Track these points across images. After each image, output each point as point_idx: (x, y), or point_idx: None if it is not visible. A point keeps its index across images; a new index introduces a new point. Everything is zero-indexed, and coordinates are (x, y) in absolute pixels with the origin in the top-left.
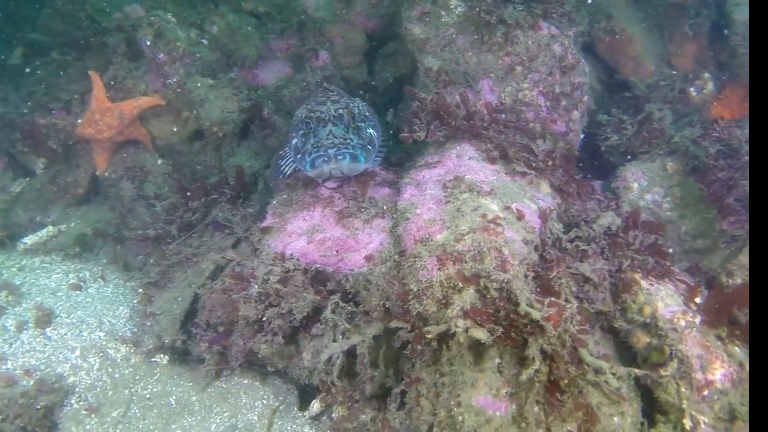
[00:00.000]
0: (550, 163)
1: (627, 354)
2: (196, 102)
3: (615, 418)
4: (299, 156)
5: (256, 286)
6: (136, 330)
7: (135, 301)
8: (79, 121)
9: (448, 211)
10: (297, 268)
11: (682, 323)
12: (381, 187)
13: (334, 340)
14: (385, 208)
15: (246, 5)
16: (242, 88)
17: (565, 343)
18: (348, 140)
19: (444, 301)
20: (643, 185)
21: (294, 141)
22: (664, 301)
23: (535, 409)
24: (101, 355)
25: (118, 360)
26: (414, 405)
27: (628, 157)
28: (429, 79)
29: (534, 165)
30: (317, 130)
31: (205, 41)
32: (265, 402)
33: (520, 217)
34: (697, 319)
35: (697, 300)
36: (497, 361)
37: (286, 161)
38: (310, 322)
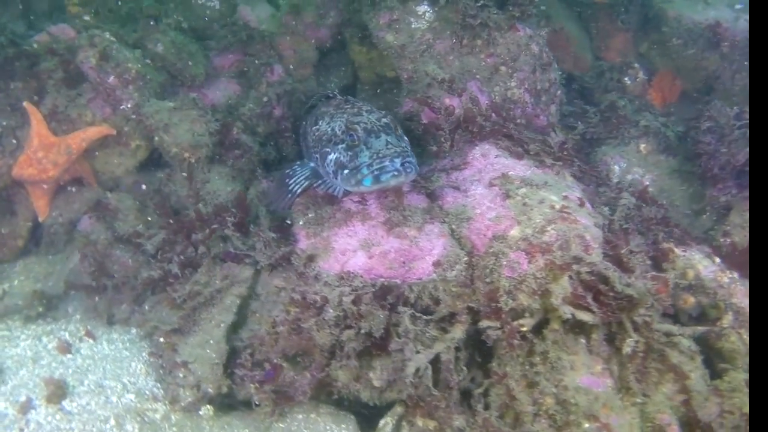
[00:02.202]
0: (565, 153)
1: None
2: (158, 128)
3: (693, 374)
4: (347, 171)
5: (331, 310)
6: (166, 385)
7: (145, 354)
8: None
9: (513, 207)
10: (365, 285)
11: (726, 280)
12: (410, 194)
13: (417, 352)
14: (429, 214)
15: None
16: (207, 109)
17: (656, 312)
18: (407, 150)
19: (540, 292)
20: (623, 167)
21: (332, 156)
22: (702, 263)
23: (632, 377)
24: (138, 419)
25: (158, 421)
26: (507, 400)
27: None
28: (417, 86)
29: (558, 156)
30: (369, 141)
31: (148, 61)
32: None
33: (581, 204)
34: (736, 275)
35: (717, 260)
36: (582, 341)
37: (296, 180)
38: (383, 340)
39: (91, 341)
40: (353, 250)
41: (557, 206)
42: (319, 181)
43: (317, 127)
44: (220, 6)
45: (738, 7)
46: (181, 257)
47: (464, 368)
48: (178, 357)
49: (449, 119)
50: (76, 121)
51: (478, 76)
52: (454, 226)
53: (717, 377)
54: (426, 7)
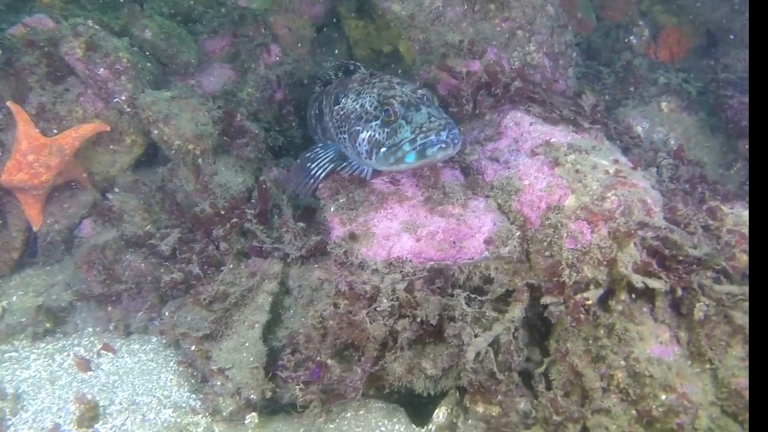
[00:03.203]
0: (600, 116)
1: None
2: (157, 120)
3: None
4: (384, 149)
5: (386, 300)
6: (203, 396)
7: (173, 364)
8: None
9: (564, 174)
10: (417, 270)
11: None
12: (444, 170)
13: (476, 335)
14: (471, 189)
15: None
16: (207, 97)
17: (727, 272)
18: (450, 121)
19: (606, 262)
20: (646, 127)
21: (365, 134)
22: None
23: (704, 343)
24: None
25: None
26: (571, 377)
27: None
28: (432, 56)
29: (594, 119)
30: (409, 115)
31: (136, 49)
32: (385, 428)
33: (635, 166)
34: None
35: None
36: (646, 310)
37: (320, 163)
38: (437, 326)
39: (110, 355)
40: (397, 233)
41: (611, 171)
42: (344, 164)
43: (341, 105)
44: None
45: None
46: (202, 256)
47: (523, 348)
48: (214, 364)
49: (470, 81)
50: (66, 118)
51: (494, 43)
52: (500, 200)
53: None
54: None
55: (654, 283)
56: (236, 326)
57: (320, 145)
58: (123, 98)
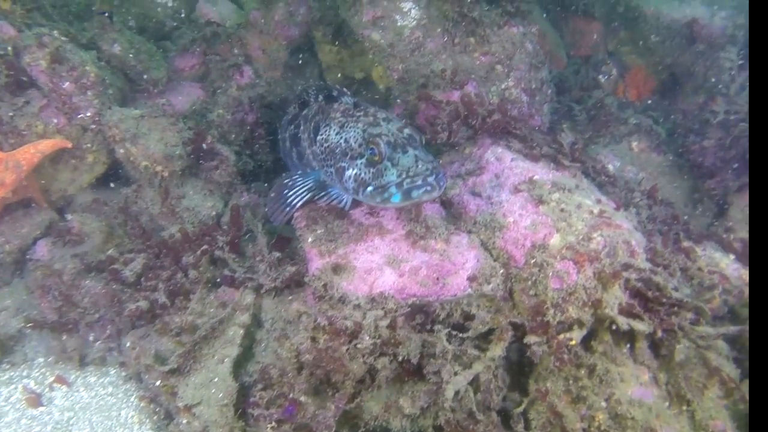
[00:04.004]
0: (578, 154)
1: None
2: (124, 139)
3: (732, 375)
4: (370, 188)
5: (368, 337)
6: None
7: (135, 399)
8: None
9: (549, 213)
10: (399, 306)
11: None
12: (425, 204)
13: (456, 373)
14: (453, 224)
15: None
16: (177, 117)
17: (706, 315)
18: (437, 165)
19: (590, 303)
20: (617, 165)
21: (351, 172)
22: (724, 261)
23: (683, 384)
24: None
25: None
26: (551, 417)
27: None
28: (411, 86)
29: (575, 157)
30: (395, 157)
31: (103, 63)
32: None
33: (617, 207)
34: None
35: (732, 257)
36: (625, 351)
37: (297, 191)
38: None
39: (64, 388)
40: (379, 268)
41: (595, 211)
42: (323, 193)
43: (324, 136)
44: (173, 3)
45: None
46: (169, 284)
47: (503, 387)
48: (180, 401)
49: (448, 110)
50: (25, 133)
51: (473, 76)
52: (483, 237)
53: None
54: (411, 3)
55: (639, 326)
56: (205, 360)
57: (300, 172)
58: (88, 114)
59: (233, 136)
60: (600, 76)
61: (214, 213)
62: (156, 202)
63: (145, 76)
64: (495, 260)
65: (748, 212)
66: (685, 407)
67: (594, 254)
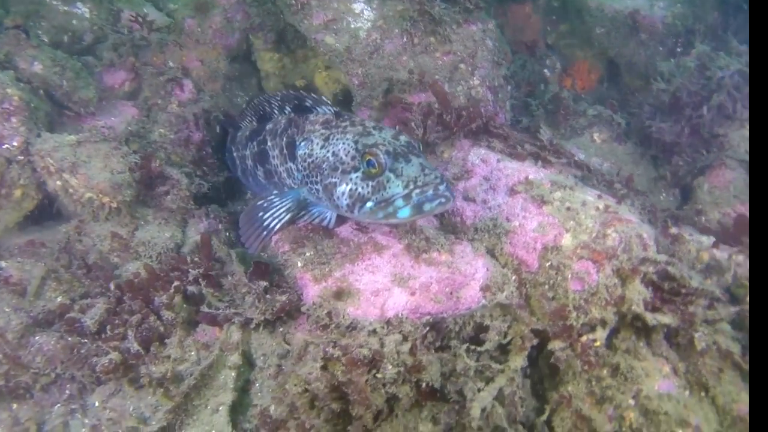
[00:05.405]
0: (562, 151)
1: None
2: (62, 169)
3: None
4: (370, 204)
5: (390, 366)
6: None
7: None
8: None
9: (554, 213)
10: (416, 327)
11: (741, 258)
12: None
13: (479, 390)
14: (452, 233)
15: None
16: (119, 140)
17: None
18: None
19: (613, 302)
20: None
21: (343, 188)
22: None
23: (704, 372)
24: None
25: None
26: (577, 422)
27: None
28: (375, 91)
29: (559, 154)
30: (397, 167)
31: (25, 84)
32: None
33: (619, 201)
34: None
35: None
36: (642, 344)
37: (275, 213)
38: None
39: None
40: (386, 288)
41: (601, 206)
42: (302, 213)
43: (306, 151)
44: (90, 14)
45: None
46: (141, 329)
47: (524, 398)
48: None
49: (420, 108)
50: None
51: (437, 76)
52: (487, 243)
53: None
54: (362, 4)
55: (665, 319)
56: (198, 412)
57: (275, 192)
58: (15, 144)
59: (178, 156)
60: (545, 71)
61: (173, 244)
62: (105, 238)
63: (73, 97)
64: (503, 267)
65: (715, 193)
66: (703, 394)
67: (611, 251)
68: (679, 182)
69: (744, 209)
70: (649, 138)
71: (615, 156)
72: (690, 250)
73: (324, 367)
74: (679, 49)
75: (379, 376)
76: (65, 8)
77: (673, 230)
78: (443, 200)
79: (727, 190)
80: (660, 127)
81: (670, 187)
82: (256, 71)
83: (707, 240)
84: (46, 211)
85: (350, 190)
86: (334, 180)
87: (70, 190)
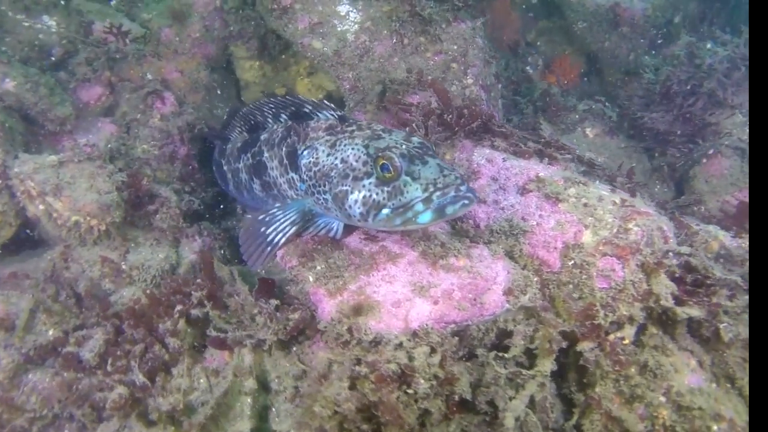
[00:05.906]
0: (564, 146)
1: None
2: (44, 192)
3: None
4: (386, 211)
5: (423, 381)
6: None
7: None
8: None
9: (571, 209)
10: (444, 337)
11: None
12: None
13: (510, 398)
14: (466, 236)
15: None
16: (104, 158)
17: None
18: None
19: (640, 297)
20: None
21: (356, 195)
22: (720, 233)
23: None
24: None
25: None
26: (607, 423)
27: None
28: (369, 95)
29: (564, 150)
30: (414, 170)
31: None
32: None
33: (633, 194)
34: None
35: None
36: (666, 339)
37: (279, 227)
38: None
39: None
40: (407, 298)
41: (617, 201)
42: (308, 225)
43: (311, 159)
44: (58, 27)
45: None
46: (146, 359)
47: (554, 403)
48: None
49: (420, 108)
50: None
51: (429, 77)
52: (504, 245)
53: None
54: (348, 6)
55: (693, 312)
56: None
57: (278, 205)
58: None
59: (164, 172)
60: (528, 68)
61: (168, 266)
62: (95, 264)
63: (49, 115)
64: (523, 268)
65: (712, 182)
66: (729, 386)
67: (635, 246)
68: (675, 173)
69: (743, 196)
70: (641, 130)
71: (608, 150)
72: (699, 239)
73: (352, 387)
74: (660, 41)
75: (410, 391)
76: (30, 22)
77: (685, 220)
78: (466, 201)
79: (723, 178)
80: (653, 117)
81: (666, 179)
82: (236, 81)
83: (714, 229)
84: (27, 238)
85: (363, 197)
86: (344, 188)
87: (54, 215)
